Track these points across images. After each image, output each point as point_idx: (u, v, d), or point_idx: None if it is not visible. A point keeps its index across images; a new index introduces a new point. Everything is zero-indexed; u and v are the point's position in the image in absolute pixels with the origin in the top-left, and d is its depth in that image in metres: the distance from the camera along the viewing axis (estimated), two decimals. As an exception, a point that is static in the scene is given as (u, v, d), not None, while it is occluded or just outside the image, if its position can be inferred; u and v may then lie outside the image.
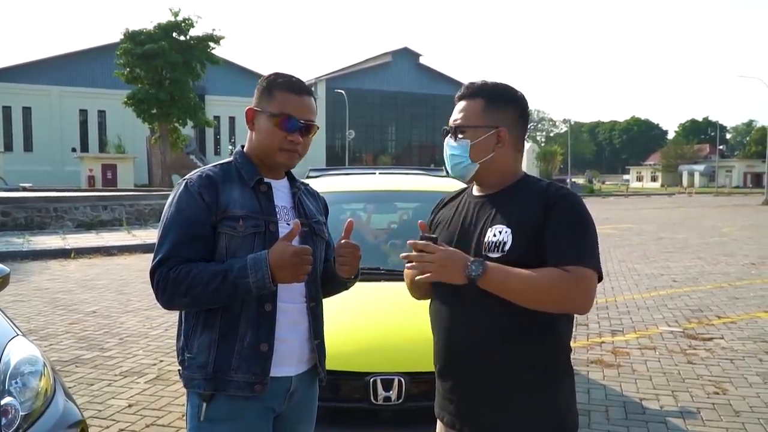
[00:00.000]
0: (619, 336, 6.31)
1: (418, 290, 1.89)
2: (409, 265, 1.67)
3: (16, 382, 2.41)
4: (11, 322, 2.87)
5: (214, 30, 32.02)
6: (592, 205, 38.46)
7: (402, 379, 2.70)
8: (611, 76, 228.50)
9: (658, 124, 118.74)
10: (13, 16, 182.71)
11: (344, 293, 2.11)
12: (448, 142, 1.82)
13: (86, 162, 36.83)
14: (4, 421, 2.25)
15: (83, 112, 47.04)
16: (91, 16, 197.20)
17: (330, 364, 2.26)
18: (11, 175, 33.07)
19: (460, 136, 1.79)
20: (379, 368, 2.73)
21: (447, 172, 1.89)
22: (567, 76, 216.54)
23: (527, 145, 67.92)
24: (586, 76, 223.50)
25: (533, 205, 1.70)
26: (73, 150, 44.60)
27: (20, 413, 2.32)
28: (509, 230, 1.68)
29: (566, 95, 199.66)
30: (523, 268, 1.61)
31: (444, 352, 1.80)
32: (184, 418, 3.93)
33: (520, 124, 1.82)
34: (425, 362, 2.75)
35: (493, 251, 1.67)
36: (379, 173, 5.08)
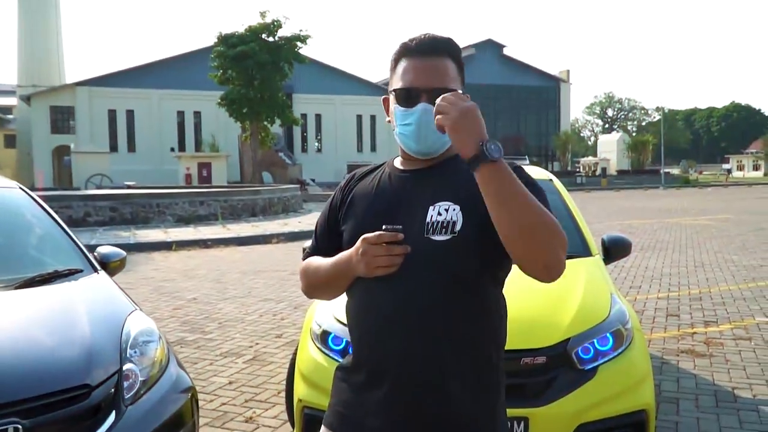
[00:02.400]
0: (712, 327, 6.09)
1: (333, 286, 1.59)
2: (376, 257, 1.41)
3: (135, 351, 2.68)
4: (130, 298, 3.20)
5: (300, 30, 32.88)
6: (688, 196, 36.57)
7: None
8: (708, 60, 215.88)
9: (759, 110, 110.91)
10: (119, 25, 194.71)
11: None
12: (426, 108, 1.45)
13: (183, 161, 38.89)
14: (126, 384, 2.52)
15: (180, 114, 49.55)
16: (188, 23, 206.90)
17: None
18: (116, 175, 35.37)
19: None
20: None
21: (411, 145, 1.52)
22: (660, 62, 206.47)
23: (617, 135, 65.41)
24: (681, 61, 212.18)
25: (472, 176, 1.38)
26: (172, 150, 47.12)
27: (139, 378, 2.59)
28: (457, 207, 1.44)
29: (659, 82, 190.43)
30: (474, 250, 1.42)
31: (378, 356, 1.47)
32: (279, 395, 4.22)
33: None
34: (507, 341, 2.86)
35: (440, 233, 1.43)
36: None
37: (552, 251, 1.30)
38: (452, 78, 1.52)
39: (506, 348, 2.77)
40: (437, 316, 1.43)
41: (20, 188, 3.77)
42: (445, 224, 1.43)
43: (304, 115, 48.01)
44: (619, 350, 2.94)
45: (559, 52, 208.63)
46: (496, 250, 1.38)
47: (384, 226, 1.42)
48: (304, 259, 1.71)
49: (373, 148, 53.40)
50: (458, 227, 1.43)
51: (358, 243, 1.44)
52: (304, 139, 53.89)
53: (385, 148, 51.73)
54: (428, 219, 1.45)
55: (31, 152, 47.91)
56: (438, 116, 1.33)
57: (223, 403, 4.25)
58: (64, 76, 53.63)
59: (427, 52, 1.51)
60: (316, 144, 54.22)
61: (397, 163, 1.62)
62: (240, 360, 5.21)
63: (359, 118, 53.33)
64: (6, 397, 2.15)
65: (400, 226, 1.42)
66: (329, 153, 52.47)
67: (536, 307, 3.09)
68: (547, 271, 1.33)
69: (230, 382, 4.67)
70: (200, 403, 4.23)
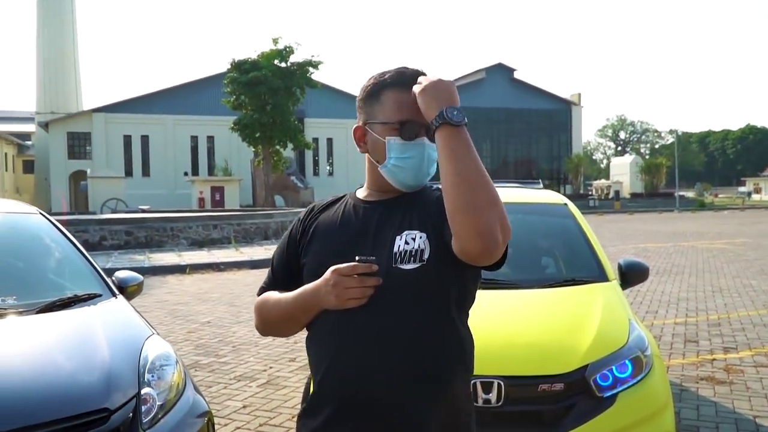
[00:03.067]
0: (732, 353, 6.01)
1: (294, 321, 1.56)
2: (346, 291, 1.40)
3: (153, 375, 2.69)
4: (147, 322, 3.22)
5: (312, 56, 33.30)
6: (704, 219, 36.16)
7: (501, 383, 2.77)
8: (722, 83, 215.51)
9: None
10: (134, 52, 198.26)
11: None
12: (428, 144, 1.48)
13: (197, 185, 39.22)
14: (143, 408, 2.53)
15: (194, 138, 50.09)
16: (201, 50, 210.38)
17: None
18: (131, 199, 35.71)
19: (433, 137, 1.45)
20: (479, 371, 2.79)
21: (408, 179, 1.51)
22: (673, 84, 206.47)
23: (630, 157, 65.21)
24: (694, 83, 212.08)
25: (438, 207, 1.42)
26: (185, 174, 47.55)
27: (157, 402, 2.61)
28: (424, 235, 1.45)
29: (672, 105, 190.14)
30: (443, 277, 1.43)
31: (349, 392, 1.43)
32: (293, 419, 4.20)
33: None
34: (523, 367, 2.85)
35: (408, 261, 1.43)
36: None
37: (486, 217, 1.30)
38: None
39: (523, 374, 2.79)
40: (411, 346, 1.41)
41: (40, 213, 3.83)
42: (413, 253, 1.43)
43: (315, 139, 48.35)
44: (639, 377, 2.91)
45: (570, 75, 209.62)
46: (463, 276, 1.46)
47: (357, 257, 1.40)
48: (259, 294, 1.65)
49: (385, 172, 53.35)
50: (426, 255, 1.43)
51: (328, 274, 1.41)
52: (316, 163, 54.22)
53: (397, 172, 51.88)
54: (396, 248, 1.44)
55: (49, 177, 48.53)
56: (415, 85, 1.43)
57: (238, 428, 4.23)
58: (81, 102, 54.50)
59: (409, 86, 1.49)
60: (328, 167, 54.53)
61: (361, 194, 1.60)
62: (254, 384, 5.20)
63: (371, 142, 53.46)
64: (28, 420, 2.17)
65: (374, 257, 1.40)
66: (341, 176, 52.71)
67: (553, 333, 3.08)
68: (480, 240, 1.30)
69: (244, 406, 4.65)
70: (215, 427, 4.23)
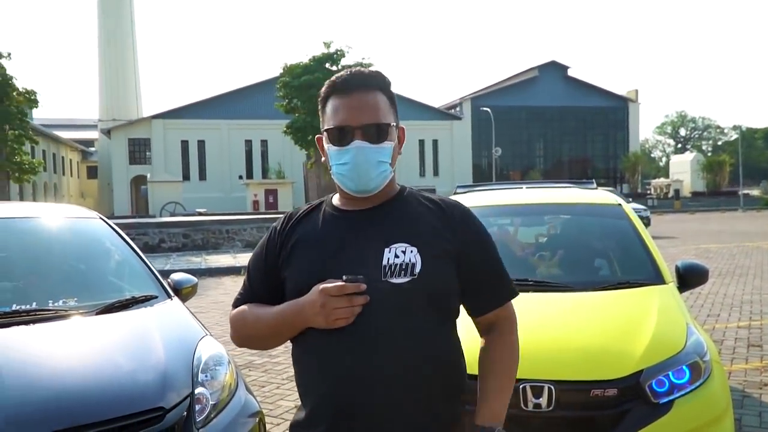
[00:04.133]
0: (800, 358, 5.73)
1: (276, 337, 1.54)
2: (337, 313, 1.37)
3: (206, 375, 2.76)
4: (201, 324, 3.31)
5: (363, 59, 33.50)
6: (769, 218, 34.41)
7: (552, 387, 2.71)
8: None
9: None
10: (190, 59, 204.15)
11: None
12: (360, 146, 1.45)
13: (251, 188, 40.05)
14: (197, 407, 2.59)
15: (248, 142, 51.15)
16: (255, 56, 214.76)
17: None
18: (188, 202, 36.73)
19: (383, 137, 1.48)
20: (529, 375, 2.74)
21: (350, 185, 1.49)
22: (736, 78, 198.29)
23: (691, 155, 63.07)
24: (759, 77, 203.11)
25: (430, 218, 1.49)
26: (240, 177, 48.62)
27: (210, 402, 2.67)
28: (414, 248, 1.43)
29: (735, 99, 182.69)
30: (434, 292, 1.43)
31: (341, 409, 1.41)
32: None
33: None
34: (574, 371, 2.78)
35: (399, 275, 1.41)
36: (526, 187, 5.12)
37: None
38: (384, 112, 1.48)
39: (575, 379, 2.73)
40: (403, 360, 1.40)
41: (100, 218, 3.98)
42: (404, 266, 1.41)
43: (367, 142, 48.49)
44: (697, 384, 2.80)
45: (627, 71, 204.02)
46: (451, 289, 1.48)
47: (344, 276, 1.36)
48: (234, 306, 1.62)
49: (436, 173, 53.47)
50: (417, 269, 1.41)
51: (316, 296, 1.38)
52: (368, 165, 54.36)
53: (448, 173, 51.70)
54: (385, 261, 1.41)
55: (111, 182, 50.43)
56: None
57: (290, 428, 4.29)
58: (142, 109, 56.48)
59: (356, 87, 1.47)
60: (380, 169, 54.71)
61: (338, 202, 1.57)
62: (306, 385, 5.26)
63: (421, 142, 53.57)
64: (88, 418, 2.25)
65: (362, 276, 1.37)
66: (392, 178, 52.79)
67: (606, 337, 3.00)
68: None
69: (296, 407, 4.70)
70: (267, 426, 4.30)
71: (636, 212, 18.35)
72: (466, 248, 1.49)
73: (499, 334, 1.56)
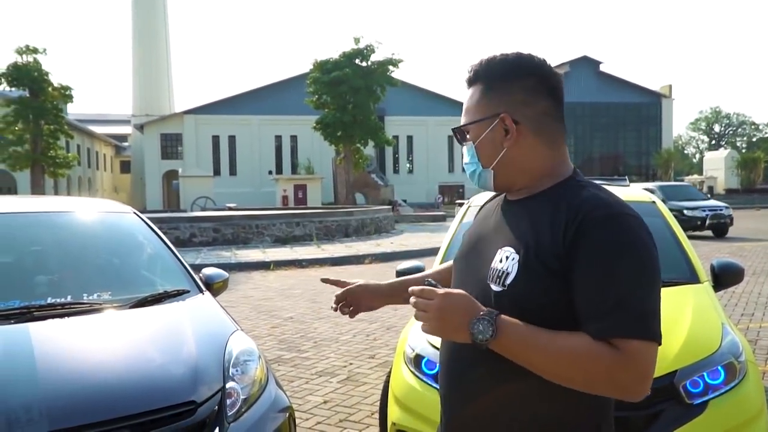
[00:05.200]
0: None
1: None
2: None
3: (237, 370, 2.78)
4: (232, 318, 3.34)
5: (393, 54, 33.45)
6: (809, 216, 33.41)
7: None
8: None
9: None
10: (221, 55, 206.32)
11: None
12: (465, 146, 1.43)
13: (281, 183, 40.32)
14: (228, 401, 2.62)
15: (278, 138, 51.54)
16: (285, 52, 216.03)
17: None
18: (219, 197, 37.16)
19: (467, 138, 1.41)
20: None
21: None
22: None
23: (725, 151, 61.73)
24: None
25: (557, 222, 1.25)
26: (270, 173, 49.02)
27: (241, 396, 2.69)
28: (517, 256, 1.27)
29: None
30: (524, 309, 1.22)
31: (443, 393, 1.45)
32: (373, 416, 4.25)
33: (540, 102, 1.33)
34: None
35: (495, 282, 1.29)
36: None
37: (605, 388, 1.18)
38: (471, 111, 1.39)
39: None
40: (491, 369, 1.28)
41: (134, 213, 4.04)
42: (500, 274, 1.29)
43: (395, 137, 48.58)
44: (732, 384, 2.75)
45: (661, 66, 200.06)
46: (552, 305, 1.23)
47: (426, 280, 1.30)
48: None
49: (461, 169, 53.13)
50: (509, 280, 1.26)
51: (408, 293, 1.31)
52: (396, 161, 54.46)
53: (477, 169, 51.36)
54: (493, 263, 1.32)
55: (144, 177, 51.29)
56: (420, 321, 1.25)
57: (318, 422, 4.32)
58: (174, 105, 57.35)
59: (469, 82, 1.42)
60: (408, 165, 54.68)
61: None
62: (334, 380, 5.29)
63: (451, 138, 53.33)
64: (121, 411, 2.29)
65: (438, 284, 1.27)
66: (421, 174, 52.76)
67: None
68: (619, 398, 1.21)
69: (325, 402, 4.74)
70: (296, 421, 4.33)
71: (716, 210, 17.79)
72: (575, 262, 1.21)
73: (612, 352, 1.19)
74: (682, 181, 65.83)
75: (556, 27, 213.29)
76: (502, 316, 1.20)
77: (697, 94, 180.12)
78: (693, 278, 3.59)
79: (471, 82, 1.40)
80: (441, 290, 1.23)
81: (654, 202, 4.22)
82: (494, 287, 1.29)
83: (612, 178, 5.14)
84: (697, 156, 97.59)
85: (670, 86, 61.07)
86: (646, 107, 59.87)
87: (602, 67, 59.71)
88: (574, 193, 1.29)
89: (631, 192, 4.58)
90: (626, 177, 5.27)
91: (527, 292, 1.24)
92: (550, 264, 1.23)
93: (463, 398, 1.37)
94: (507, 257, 1.29)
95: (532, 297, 1.24)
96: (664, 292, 3.65)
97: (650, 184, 20.68)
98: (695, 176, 69.40)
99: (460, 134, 1.42)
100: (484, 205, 1.57)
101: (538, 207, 1.32)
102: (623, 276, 1.18)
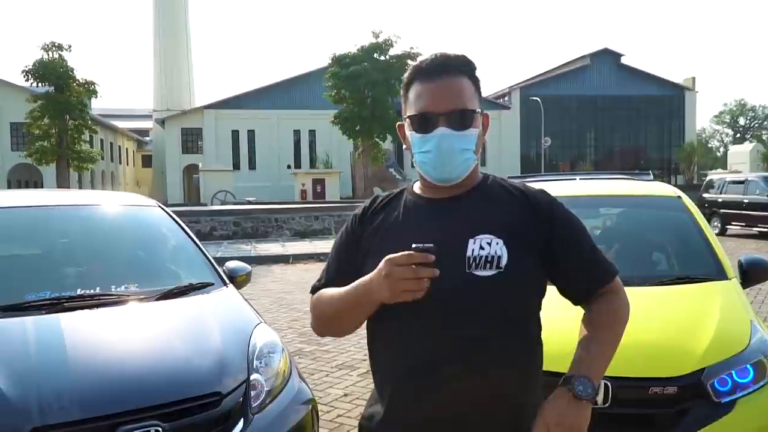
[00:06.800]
0: None
1: (348, 317, 1.46)
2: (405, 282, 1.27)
3: (261, 362, 2.81)
4: (255, 311, 3.37)
5: (411, 48, 33.34)
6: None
7: (608, 383, 2.66)
8: None
9: None
10: (240, 49, 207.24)
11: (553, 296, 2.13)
12: (444, 133, 1.40)
13: (299, 177, 40.48)
14: (252, 393, 2.65)
15: (296, 132, 51.66)
16: (304, 45, 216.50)
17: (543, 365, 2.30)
18: (238, 191, 37.35)
19: (468, 124, 1.43)
20: (584, 370, 2.71)
21: (432, 173, 1.46)
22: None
23: (750, 145, 60.80)
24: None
25: (516, 208, 1.44)
26: (288, 167, 49.20)
27: (265, 388, 2.72)
28: (500, 240, 1.38)
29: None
30: (521, 287, 1.39)
31: (421, 409, 1.38)
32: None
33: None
34: (632, 368, 2.72)
35: (484, 268, 1.36)
36: (580, 178, 5.01)
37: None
38: (469, 97, 1.43)
39: (633, 375, 2.66)
40: (485, 356, 1.35)
41: (159, 206, 4.09)
42: (489, 259, 1.36)
43: (414, 131, 48.39)
44: (761, 383, 2.71)
45: (684, 58, 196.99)
46: (539, 281, 1.44)
47: (413, 245, 1.26)
48: (312, 292, 1.58)
49: (483, 163, 52.94)
50: (504, 262, 1.36)
51: (382, 264, 1.29)
52: (414, 155, 54.26)
53: (496, 164, 51.10)
54: (469, 253, 1.37)
55: (165, 171, 51.78)
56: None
57: (339, 415, 4.35)
58: (194, 100, 57.72)
59: (440, 72, 1.42)
60: (427, 159, 54.51)
61: (419, 190, 1.53)
62: (354, 373, 5.32)
63: (469, 133, 53.18)
64: (149, 401, 2.33)
65: (433, 246, 1.26)
66: (439, 168, 52.53)
67: (666, 333, 2.92)
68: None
69: (345, 395, 4.77)
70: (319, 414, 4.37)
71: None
72: (556, 238, 1.44)
73: (607, 302, 1.49)
74: (705, 176, 64.91)
75: (576, 19, 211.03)
76: (583, 374, 1.38)
77: (721, 87, 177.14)
78: (720, 275, 3.54)
79: (453, 71, 1.42)
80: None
81: (680, 197, 4.16)
82: (482, 273, 1.36)
83: (634, 173, 5.08)
84: (721, 150, 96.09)
85: (694, 78, 60.12)
86: (668, 100, 59.00)
87: (624, 60, 58.94)
88: (510, 183, 1.52)
89: (656, 187, 4.53)
90: (650, 171, 5.19)
91: (522, 271, 1.38)
92: (532, 244, 1.41)
93: (443, 396, 1.36)
94: (489, 243, 1.38)
95: (525, 275, 1.39)
96: (691, 288, 3.59)
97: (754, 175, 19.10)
98: (719, 170, 68.32)
99: (467, 117, 1.42)
100: (381, 206, 1.55)
101: (484, 196, 1.47)
102: (589, 238, 1.50)
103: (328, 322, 1.53)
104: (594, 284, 1.49)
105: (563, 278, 1.49)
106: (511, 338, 1.38)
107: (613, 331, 1.46)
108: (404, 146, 1.54)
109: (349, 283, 1.44)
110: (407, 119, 1.47)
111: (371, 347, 1.52)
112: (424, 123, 1.42)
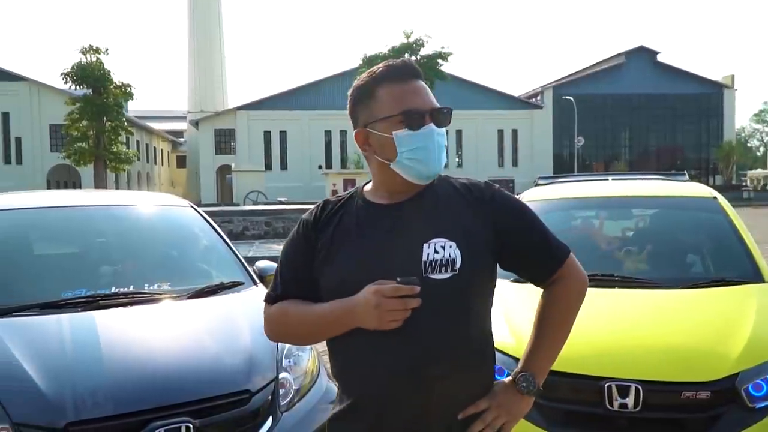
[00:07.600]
0: None
1: (321, 335, 1.55)
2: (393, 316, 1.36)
3: (290, 361, 2.84)
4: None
5: (442, 47, 33.25)
6: None
7: (639, 387, 2.62)
8: None
9: None
10: (272, 51, 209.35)
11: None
12: (434, 129, 1.47)
13: (330, 178, 40.66)
14: (282, 391, 2.68)
15: (327, 133, 51.96)
16: (335, 46, 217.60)
17: (566, 367, 2.28)
18: (270, 191, 37.69)
19: (448, 122, 1.51)
20: (614, 374, 2.66)
21: (422, 170, 1.48)
22: None
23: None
24: None
25: (462, 209, 1.48)
26: (319, 167, 49.48)
27: (293, 387, 2.75)
28: (453, 243, 1.43)
29: None
30: (475, 286, 1.46)
31: (386, 407, 1.43)
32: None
33: None
34: (664, 371, 2.67)
35: (440, 271, 1.41)
36: (612, 179, 4.94)
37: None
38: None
39: (664, 379, 2.62)
40: (449, 355, 1.42)
41: (191, 206, 4.16)
42: (444, 262, 1.41)
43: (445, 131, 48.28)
44: None
45: (723, 55, 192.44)
46: (492, 278, 1.51)
47: (399, 278, 1.35)
48: (268, 301, 1.58)
49: (515, 163, 52.51)
50: (458, 264, 1.42)
51: (371, 296, 1.36)
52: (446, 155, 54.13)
53: (527, 164, 50.65)
54: (425, 257, 1.42)
55: (198, 171, 52.59)
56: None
57: (368, 416, 4.35)
58: (227, 101, 58.51)
59: (412, 75, 1.49)
60: (457, 159, 54.25)
61: (372, 196, 1.54)
62: (384, 374, 5.31)
63: (500, 132, 52.73)
64: (181, 397, 2.37)
65: (416, 278, 1.36)
66: (470, 168, 52.22)
67: (699, 337, 2.87)
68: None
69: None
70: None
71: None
72: (505, 227, 1.50)
73: (561, 287, 1.57)
74: (745, 176, 63.34)
75: (611, 17, 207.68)
76: (530, 371, 1.53)
77: (761, 84, 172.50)
78: (757, 277, 3.45)
79: (419, 75, 1.50)
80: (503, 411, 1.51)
81: (715, 197, 4.07)
82: (438, 276, 1.41)
83: (669, 173, 4.98)
84: (761, 149, 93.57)
85: (733, 76, 58.64)
86: (706, 98, 57.65)
87: (660, 57, 57.79)
88: (457, 182, 1.55)
89: (691, 188, 4.44)
90: (685, 171, 5.08)
91: (476, 271, 1.45)
92: (484, 242, 1.46)
93: (427, 395, 1.42)
94: (443, 247, 1.42)
95: (480, 275, 1.46)
96: (726, 291, 3.51)
97: None
98: (759, 170, 66.64)
99: (448, 117, 1.50)
100: (326, 215, 1.55)
101: (438, 198, 1.50)
102: (536, 218, 1.56)
103: (294, 337, 1.69)
104: (547, 269, 1.56)
105: (518, 267, 1.58)
106: (471, 334, 1.47)
107: (564, 323, 1.56)
108: (363, 152, 1.54)
109: (306, 293, 1.51)
110: (387, 119, 1.46)
111: (336, 354, 1.53)
112: (415, 119, 1.45)
